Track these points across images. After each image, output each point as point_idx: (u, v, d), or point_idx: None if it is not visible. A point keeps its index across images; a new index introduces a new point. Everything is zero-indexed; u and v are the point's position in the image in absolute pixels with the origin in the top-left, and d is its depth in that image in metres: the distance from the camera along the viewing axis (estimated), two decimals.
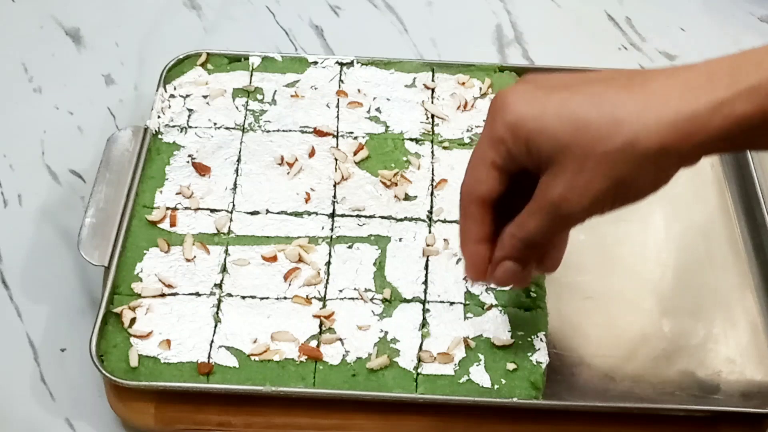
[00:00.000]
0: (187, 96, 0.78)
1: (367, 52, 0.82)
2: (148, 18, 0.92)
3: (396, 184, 0.72)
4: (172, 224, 0.70)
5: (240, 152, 0.74)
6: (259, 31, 0.92)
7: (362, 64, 0.81)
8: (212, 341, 0.64)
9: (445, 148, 0.75)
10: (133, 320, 0.64)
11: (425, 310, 0.66)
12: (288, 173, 0.73)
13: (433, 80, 0.80)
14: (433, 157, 0.75)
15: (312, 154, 0.74)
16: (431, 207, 0.71)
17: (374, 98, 0.79)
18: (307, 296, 0.66)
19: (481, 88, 0.79)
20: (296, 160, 0.73)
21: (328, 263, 0.68)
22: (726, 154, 0.50)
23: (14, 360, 0.68)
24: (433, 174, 0.74)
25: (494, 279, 0.55)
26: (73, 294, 0.71)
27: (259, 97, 0.78)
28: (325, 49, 0.90)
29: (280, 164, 0.73)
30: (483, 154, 0.52)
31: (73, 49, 0.89)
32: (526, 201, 0.52)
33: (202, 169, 0.73)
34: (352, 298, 0.66)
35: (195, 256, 0.68)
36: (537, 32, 0.92)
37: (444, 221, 0.71)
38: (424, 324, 0.65)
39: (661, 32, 0.92)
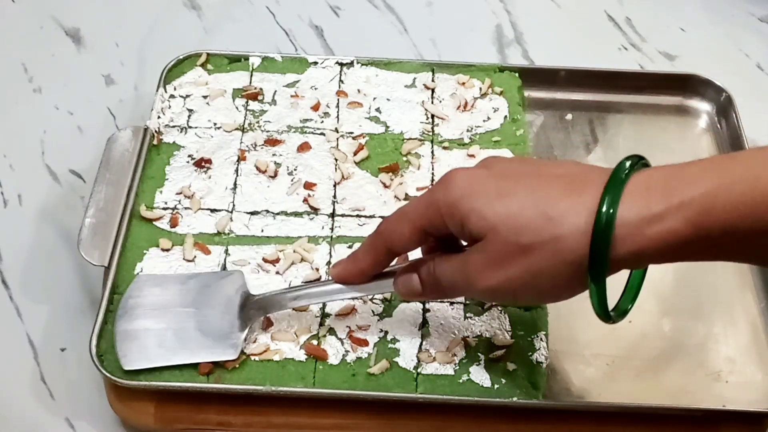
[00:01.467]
0: (187, 96, 0.78)
1: (367, 52, 0.82)
2: (148, 18, 0.92)
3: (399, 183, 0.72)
4: (173, 224, 0.70)
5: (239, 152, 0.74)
6: (259, 31, 0.92)
7: (362, 65, 0.81)
8: None
9: (445, 148, 0.75)
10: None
11: (425, 310, 0.66)
12: (289, 173, 0.73)
13: (433, 80, 0.80)
14: (433, 157, 0.75)
15: (305, 148, 0.74)
16: None
17: (374, 98, 0.79)
18: None
19: (481, 88, 0.79)
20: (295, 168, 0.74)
21: (329, 263, 0.68)
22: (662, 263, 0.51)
23: (14, 360, 0.68)
24: (433, 174, 0.74)
25: (396, 284, 0.58)
26: (73, 294, 0.71)
27: (259, 97, 0.78)
28: (325, 50, 0.90)
29: (274, 176, 0.73)
30: (415, 214, 0.54)
31: (73, 49, 0.89)
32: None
33: (203, 162, 0.73)
34: (352, 298, 0.66)
35: (195, 257, 0.68)
36: (537, 32, 0.92)
37: None
38: (424, 324, 0.65)
39: (661, 32, 0.93)
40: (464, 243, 0.56)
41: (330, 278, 0.60)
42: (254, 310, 0.63)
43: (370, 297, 0.66)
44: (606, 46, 0.91)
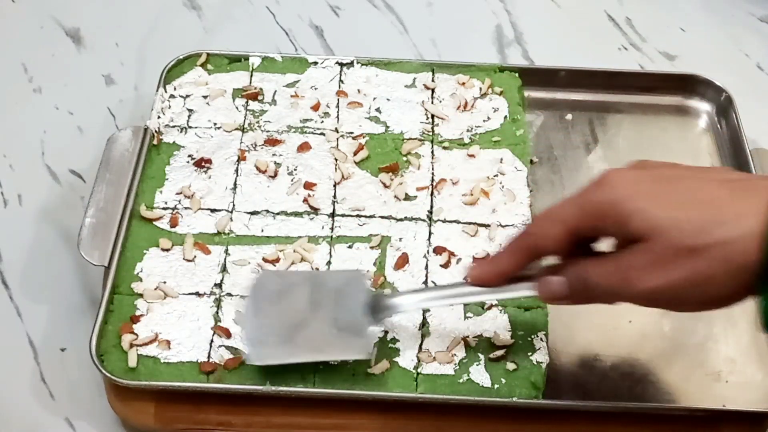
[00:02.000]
0: (187, 96, 0.78)
1: (367, 52, 0.82)
2: (148, 18, 0.92)
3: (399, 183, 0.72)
4: (173, 224, 0.70)
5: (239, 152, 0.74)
6: (259, 31, 0.92)
7: (362, 64, 0.81)
8: (212, 341, 0.64)
9: (445, 148, 0.75)
10: (133, 320, 0.64)
11: (425, 310, 0.65)
12: (289, 173, 0.73)
13: (433, 80, 0.80)
14: (433, 157, 0.75)
15: (305, 148, 0.74)
16: (431, 207, 0.72)
17: (374, 98, 0.79)
18: None
19: (481, 88, 0.79)
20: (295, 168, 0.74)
21: (329, 263, 0.68)
22: None
23: (14, 360, 0.68)
24: (433, 174, 0.74)
25: (538, 287, 0.56)
26: (73, 294, 0.71)
27: (259, 97, 0.78)
28: (325, 49, 0.90)
29: (274, 176, 0.73)
30: (567, 215, 0.53)
31: (73, 49, 0.89)
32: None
33: (203, 162, 0.73)
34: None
35: (195, 256, 0.68)
36: (537, 32, 0.92)
37: (444, 221, 0.71)
38: (424, 324, 0.65)
39: (661, 32, 0.93)
40: (595, 248, 0.55)
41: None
42: (384, 310, 0.61)
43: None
44: (606, 46, 0.91)
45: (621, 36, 0.92)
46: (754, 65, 0.90)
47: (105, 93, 0.86)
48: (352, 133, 0.76)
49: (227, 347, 0.63)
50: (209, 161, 0.73)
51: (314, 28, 0.92)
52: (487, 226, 0.70)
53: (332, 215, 0.71)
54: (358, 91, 0.79)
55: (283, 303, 0.63)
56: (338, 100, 0.78)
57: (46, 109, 0.84)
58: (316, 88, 0.79)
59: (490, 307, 0.66)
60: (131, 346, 0.63)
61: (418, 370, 0.63)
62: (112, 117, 0.84)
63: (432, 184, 0.73)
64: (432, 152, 0.75)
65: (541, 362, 0.63)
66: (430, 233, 0.70)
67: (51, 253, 0.74)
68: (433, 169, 0.74)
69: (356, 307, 0.61)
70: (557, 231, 0.53)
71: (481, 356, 0.63)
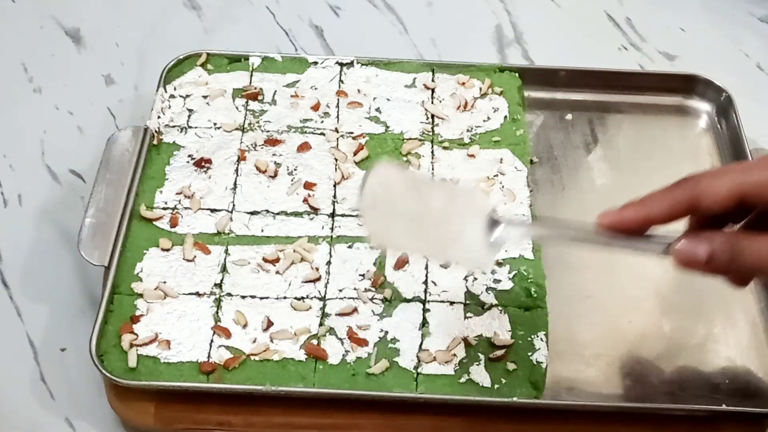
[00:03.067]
0: (187, 96, 0.78)
1: (367, 52, 0.82)
2: (148, 18, 0.92)
3: None
4: (173, 224, 0.70)
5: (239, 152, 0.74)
6: (259, 31, 0.92)
7: (362, 65, 0.81)
8: (212, 341, 0.64)
9: (445, 148, 0.75)
10: (133, 320, 0.64)
11: (425, 310, 0.66)
12: (289, 173, 0.73)
13: (433, 80, 0.80)
14: (433, 157, 0.75)
15: (305, 148, 0.74)
16: None
17: (374, 98, 0.79)
18: (307, 296, 0.66)
19: (481, 88, 0.79)
20: (295, 168, 0.74)
21: (329, 263, 0.68)
22: None
23: (14, 360, 0.68)
24: (433, 174, 0.74)
25: (681, 245, 0.51)
26: (73, 294, 0.71)
27: (259, 97, 0.78)
28: (325, 49, 0.90)
29: (274, 176, 0.73)
30: (744, 176, 0.49)
31: (73, 49, 0.89)
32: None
33: (203, 162, 0.73)
34: (352, 298, 0.66)
35: (195, 256, 0.68)
36: (537, 32, 0.92)
37: None
38: (424, 323, 0.65)
39: (661, 32, 0.93)
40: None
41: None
42: (505, 233, 0.57)
43: (370, 298, 0.66)
44: (606, 46, 0.91)
45: (621, 36, 0.92)
46: (754, 65, 0.90)
47: (105, 93, 0.86)
48: (352, 133, 0.76)
49: (227, 347, 0.63)
50: (209, 161, 0.74)
51: (314, 28, 0.92)
52: None
53: (332, 215, 0.71)
54: (358, 91, 0.79)
55: (406, 197, 0.59)
56: (338, 100, 0.78)
57: (46, 109, 0.84)
58: (316, 88, 0.79)
59: (490, 307, 0.66)
60: (131, 346, 0.63)
61: (418, 369, 0.63)
62: (112, 117, 0.84)
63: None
64: (432, 152, 0.75)
65: (541, 362, 0.63)
66: None
67: (51, 253, 0.74)
68: (433, 169, 0.74)
69: (474, 223, 0.58)
70: (724, 188, 0.49)
71: (481, 356, 0.63)
